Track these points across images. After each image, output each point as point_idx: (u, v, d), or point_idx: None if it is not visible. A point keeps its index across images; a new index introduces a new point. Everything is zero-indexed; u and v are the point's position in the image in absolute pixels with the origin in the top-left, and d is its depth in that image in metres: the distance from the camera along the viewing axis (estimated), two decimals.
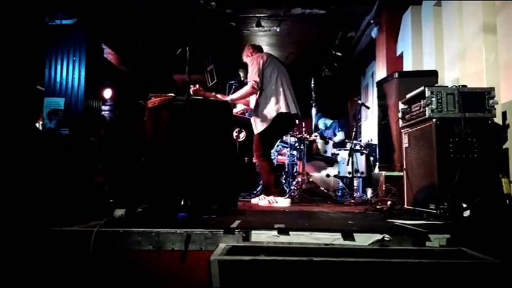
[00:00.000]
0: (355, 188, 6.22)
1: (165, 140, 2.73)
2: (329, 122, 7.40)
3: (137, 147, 3.75)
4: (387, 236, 1.86)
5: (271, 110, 3.91)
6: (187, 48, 2.80)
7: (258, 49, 4.31)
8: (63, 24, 6.63)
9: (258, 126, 4.00)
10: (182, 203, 2.45)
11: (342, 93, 10.43)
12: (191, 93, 3.42)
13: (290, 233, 1.91)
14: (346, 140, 6.30)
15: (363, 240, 1.88)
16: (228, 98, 3.94)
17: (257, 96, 4.03)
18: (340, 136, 6.51)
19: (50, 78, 6.68)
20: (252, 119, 4.09)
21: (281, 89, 3.94)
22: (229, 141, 3.10)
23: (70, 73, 6.65)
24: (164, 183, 2.66)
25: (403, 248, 1.84)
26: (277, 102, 3.92)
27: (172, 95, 3.10)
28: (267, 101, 3.95)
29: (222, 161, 2.81)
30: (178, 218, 2.47)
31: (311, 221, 2.55)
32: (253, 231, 1.92)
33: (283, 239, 1.91)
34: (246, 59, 4.28)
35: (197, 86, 3.57)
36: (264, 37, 8.10)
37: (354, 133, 4.98)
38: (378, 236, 1.86)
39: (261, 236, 1.92)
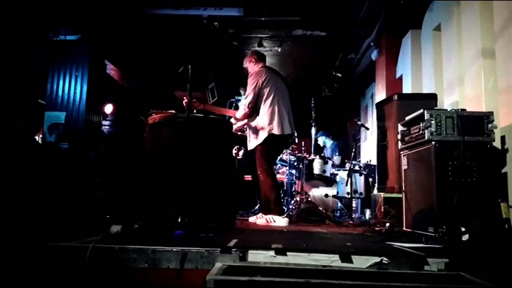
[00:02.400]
0: (353, 208, 6.18)
1: (164, 156, 2.74)
2: (329, 142, 7.42)
3: (136, 163, 3.75)
4: (385, 259, 1.85)
5: (263, 130, 3.96)
6: (189, 66, 2.82)
7: (260, 59, 4.35)
8: (67, 40, 6.71)
9: (251, 142, 4.09)
10: (179, 220, 2.44)
11: (341, 113, 10.48)
12: (184, 105, 3.46)
13: (287, 253, 1.90)
14: (346, 160, 6.30)
15: (361, 262, 1.86)
16: (236, 116, 4.08)
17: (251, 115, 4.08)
18: (336, 161, 6.52)
19: (52, 92, 6.71)
20: (247, 135, 4.16)
21: (276, 109, 3.98)
22: (228, 159, 3.10)
23: (72, 88, 6.69)
24: (161, 200, 2.65)
25: (401, 272, 1.82)
26: (271, 122, 3.95)
27: (173, 111, 3.12)
28: (261, 120, 4.00)
29: (221, 179, 2.81)
30: (175, 236, 2.46)
31: (309, 242, 2.53)
32: (250, 251, 1.90)
33: (281, 259, 1.89)
34: (247, 64, 4.33)
35: (185, 100, 3.51)
36: (266, 57, 8.19)
37: (353, 154, 4.98)
38: (376, 259, 1.85)
39: (258, 256, 1.90)
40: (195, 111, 3.71)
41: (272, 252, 1.89)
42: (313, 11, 6.09)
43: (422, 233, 3.00)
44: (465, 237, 2.73)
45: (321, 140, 7.29)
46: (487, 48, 3.84)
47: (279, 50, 7.49)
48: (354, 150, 5.04)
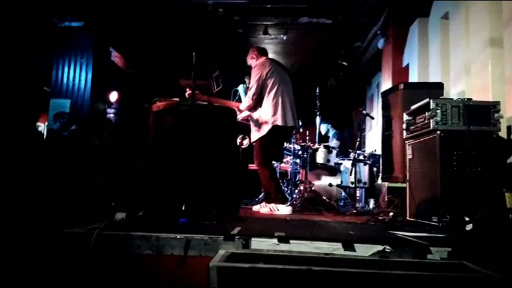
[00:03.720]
0: (357, 198, 6.18)
1: (168, 144, 2.74)
2: (332, 131, 7.40)
3: (140, 151, 3.77)
4: (388, 247, 1.85)
5: (267, 122, 3.94)
6: (194, 54, 2.81)
7: (262, 53, 4.31)
8: (72, 27, 6.70)
9: (253, 135, 4.09)
10: (183, 208, 2.45)
11: (347, 102, 10.42)
12: (187, 96, 3.48)
13: (290, 241, 1.91)
14: (350, 150, 6.28)
15: (364, 250, 1.87)
16: (240, 107, 4.06)
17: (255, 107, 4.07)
18: (333, 144, 6.50)
19: (56, 80, 6.74)
20: (251, 127, 4.14)
21: (280, 101, 3.96)
22: (232, 148, 3.10)
23: (77, 75, 6.71)
24: (165, 188, 2.66)
25: (403, 260, 1.82)
26: (275, 114, 3.93)
27: (177, 99, 3.12)
28: (264, 112, 3.98)
29: (225, 167, 2.81)
30: (179, 223, 2.48)
31: (312, 230, 2.54)
32: (253, 239, 1.92)
33: (283, 247, 1.90)
34: (250, 61, 4.31)
35: (188, 91, 3.55)
36: (270, 45, 8.14)
37: (357, 143, 4.96)
38: (379, 247, 1.85)
39: (261, 244, 1.91)
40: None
41: (275, 240, 1.90)
42: None
43: (426, 223, 3.00)
44: (469, 227, 2.73)
45: (323, 128, 7.27)
46: (495, 38, 3.80)
47: (285, 38, 7.43)
48: (358, 140, 5.01)
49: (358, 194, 6.21)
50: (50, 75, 6.79)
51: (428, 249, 1.86)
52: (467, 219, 2.67)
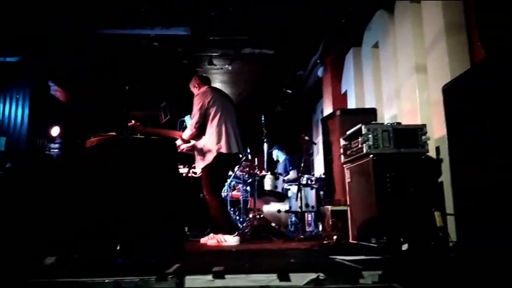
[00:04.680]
0: (308, 222, 6.25)
1: (100, 180, 2.64)
2: (282, 157, 7.51)
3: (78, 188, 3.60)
4: (322, 274, 1.87)
5: (211, 149, 3.95)
6: (126, 87, 2.78)
7: (204, 81, 4.32)
8: (7, 62, 6.42)
9: (199, 164, 4.07)
10: (118, 248, 2.35)
11: (294, 129, 10.67)
12: (128, 128, 3.44)
13: (226, 276, 1.87)
14: (299, 174, 6.38)
15: (299, 280, 1.87)
16: (183, 137, 4.06)
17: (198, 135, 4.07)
18: (292, 174, 6.60)
19: None
20: (195, 156, 4.12)
21: (224, 128, 3.99)
22: (172, 181, 3.04)
23: (13, 111, 6.40)
24: (99, 228, 2.55)
25: (337, 287, 1.85)
26: (219, 141, 3.95)
27: (113, 134, 3.04)
28: (208, 140, 3.99)
29: (162, 202, 2.75)
30: (116, 264, 2.37)
31: (253, 261, 2.52)
32: (187, 277, 1.86)
33: (219, 283, 1.86)
34: (192, 89, 4.33)
35: (133, 122, 3.56)
36: (217, 74, 8.23)
37: (302, 168, 5.07)
38: (313, 275, 1.86)
39: (196, 281, 1.86)
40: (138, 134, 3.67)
41: (210, 277, 1.86)
42: (260, 30, 6.20)
43: (366, 245, 3.09)
44: (404, 247, 2.83)
45: (275, 154, 7.37)
46: (419, 64, 4.08)
47: (230, 68, 7.55)
48: (302, 165, 5.12)
49: (308, 218, 6.29)
50: None
51: (360, 273, 1.90)
52: (402, 239, 2.78)
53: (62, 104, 8.44)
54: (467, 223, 2.47)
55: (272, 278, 1.88)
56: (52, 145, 8.10)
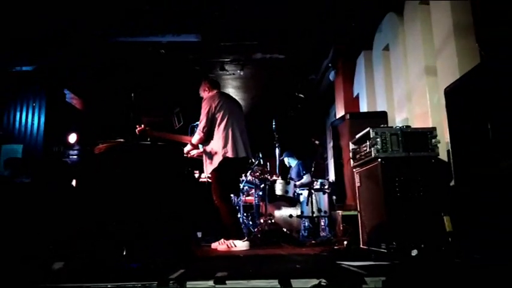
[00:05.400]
0: (322, 227, 6.19)
1: (109, 186, 2.68)
2: (294, 162, 7.47)
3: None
4: (324, 280, 1.84)
5: (218, 154, 3.95)
6: (132, 94, 2.82)
7: (213, 85, 4.33)
8: (23, 71, 6.60)
9: (207, 168, 4.08)
10: (124, 253, 2.38)
11: (307, 133, 10.62)
12: (137, 133, 3.48)
13: (227, 282, 1.86)
14: (313, 179, 6.34)
15: (300, 285, 1.85)
16: (192, 141, 4.08)
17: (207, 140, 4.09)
18: (306, 179, 6.55)
19: (8, 125, 6.57)
20: (204, 161, 4.14)
21: (230, 133, 3.99)
22: (180, 185, 3.06)
23: (29, 119, 6.57)
24: (107, 233, 2.58)
25: None
26: (225, 146, 3.95)
27: (122, 140, 3.08)
28: (215, 145, 4.00)
29: (169, 208, 2.76)
30: (125, 269, 2.39)
31: (259, 266, 2.51)
32: (188, 282, 1.86)
33: None
34: (202, 93, 4.34)
35: (142, 126, 3.60)
36: (229, 80, 8.28)
37: (312, 171, 5.05)
38: (315, 281, 1.84)
39: (197, 287, 1.86)
40: (149, 139, 3.71)
41: (211, 282, 1.86)
42: (271, 34, 6.22)
43: (376, 250, 3.03)
44: (414, 253, 2.78)
45: (286, 161, 7.34)
46: (430, 66, 4.02)
47: (242, 73, 7.58)
48: (313, 169, 5.09)
49: (322, 223, 6.23)
50: (2, 120, 6.61)
51: (363, 279, 1.87)
52: (411, 245, 2.72)
53: (78, 112, 8.62)
54: (469, 226, 2.41)
55: (273, 284, 1.86)
56: (71, 152, 8.27)
